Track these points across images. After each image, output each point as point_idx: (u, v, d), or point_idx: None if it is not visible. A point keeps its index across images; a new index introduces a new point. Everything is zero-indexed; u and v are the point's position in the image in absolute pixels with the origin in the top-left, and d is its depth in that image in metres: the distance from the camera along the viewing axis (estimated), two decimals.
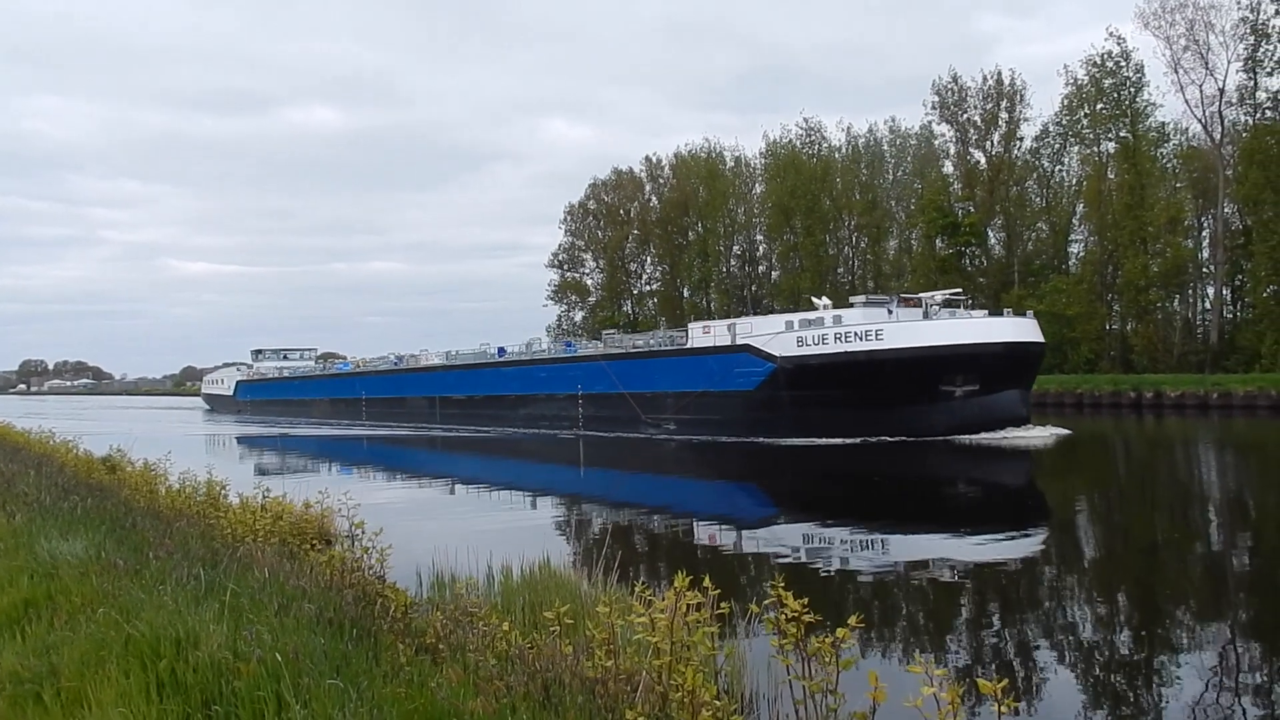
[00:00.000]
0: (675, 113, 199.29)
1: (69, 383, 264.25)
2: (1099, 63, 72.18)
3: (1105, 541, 18.29)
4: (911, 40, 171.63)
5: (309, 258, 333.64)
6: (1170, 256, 69.87)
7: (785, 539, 18.47)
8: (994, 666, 10.04)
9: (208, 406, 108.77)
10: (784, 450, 36.36)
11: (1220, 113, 68.74)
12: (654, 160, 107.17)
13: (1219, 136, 69.38)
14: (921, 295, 43.62)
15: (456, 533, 16.95)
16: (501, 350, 61.50)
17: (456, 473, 35.15)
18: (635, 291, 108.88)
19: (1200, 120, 70.08)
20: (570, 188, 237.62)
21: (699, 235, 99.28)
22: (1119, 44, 71.36)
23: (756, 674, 8.22)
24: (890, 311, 40.78)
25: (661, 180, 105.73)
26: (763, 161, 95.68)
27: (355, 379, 77.72)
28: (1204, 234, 75.51)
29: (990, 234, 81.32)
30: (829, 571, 15.06)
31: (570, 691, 5.21)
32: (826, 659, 5.02)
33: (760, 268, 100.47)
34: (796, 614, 5.18)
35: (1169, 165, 74.39)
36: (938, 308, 40.97)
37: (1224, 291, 70.93)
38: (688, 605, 5.60)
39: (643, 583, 7.27)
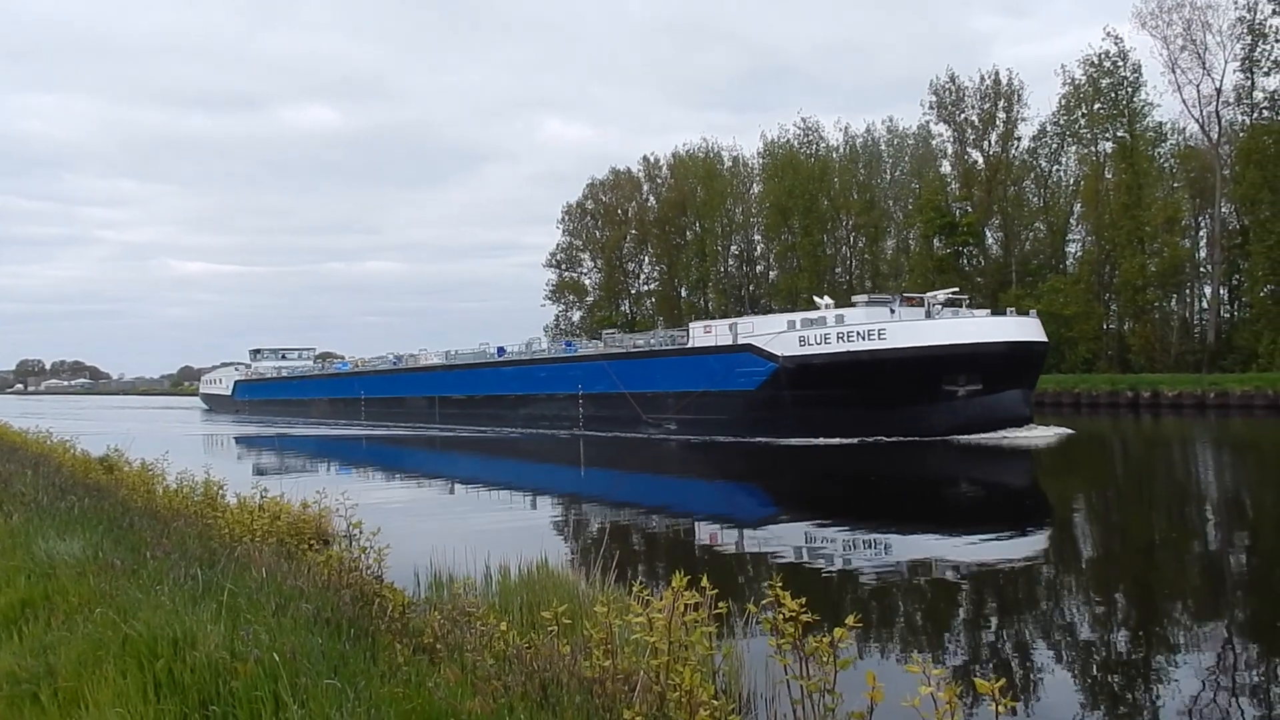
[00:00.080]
0: (672, 112, 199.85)
1: (66, 382, 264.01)
2: (1096, 62, 72.33)
3: (1104, 541, 18.29)
4: (908, 40, 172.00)
5: (307, 257, 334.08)
6: (1167, 256, 69.95)
7: (784, 539, 18.46)
8: (992, 666, 10.05)
9: (206, 406, 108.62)
10: (785, 450, 36.35)
11: (1217, 112, 68.90)
12: (651, 160, 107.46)
13: (1216, 136, 69.48)
14: (924, 295, 43.47)
15: (455, 532, 16.94)
16: (501, 350, 61.44)
17: (455, 473, 35.13)
18: (633, 291, 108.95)
19: (1197, 120, 70.32)
20: (568, 187, 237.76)
21: (696, 235, 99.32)
22: (1116, 44, 71.63)
23: (754, 674, 8.22)
24: (892, 311, 40.69)
25: (659, 180, 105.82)
26: (760, 161, 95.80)
27: (354, 379, 77.66)
28: (1201, 234, 75.65)
29: (988, 234, 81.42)
30: (828, 572, 15.06)
31: (568, 691, 5.21)
32: (824, 659, 5.01)
33: (758, 267, 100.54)
34: (794, 614, 5.18)
35: (1166, 165, 74.50)
36: (940, 307, 40.86)
37: (1221, 291, 71.05)
38: (685, 605, 5.60)
39: (640, 583, 7.28)
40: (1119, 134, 72.47)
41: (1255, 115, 67.14)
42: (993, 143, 79.84)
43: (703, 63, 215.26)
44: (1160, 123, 73.29)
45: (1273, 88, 65.54)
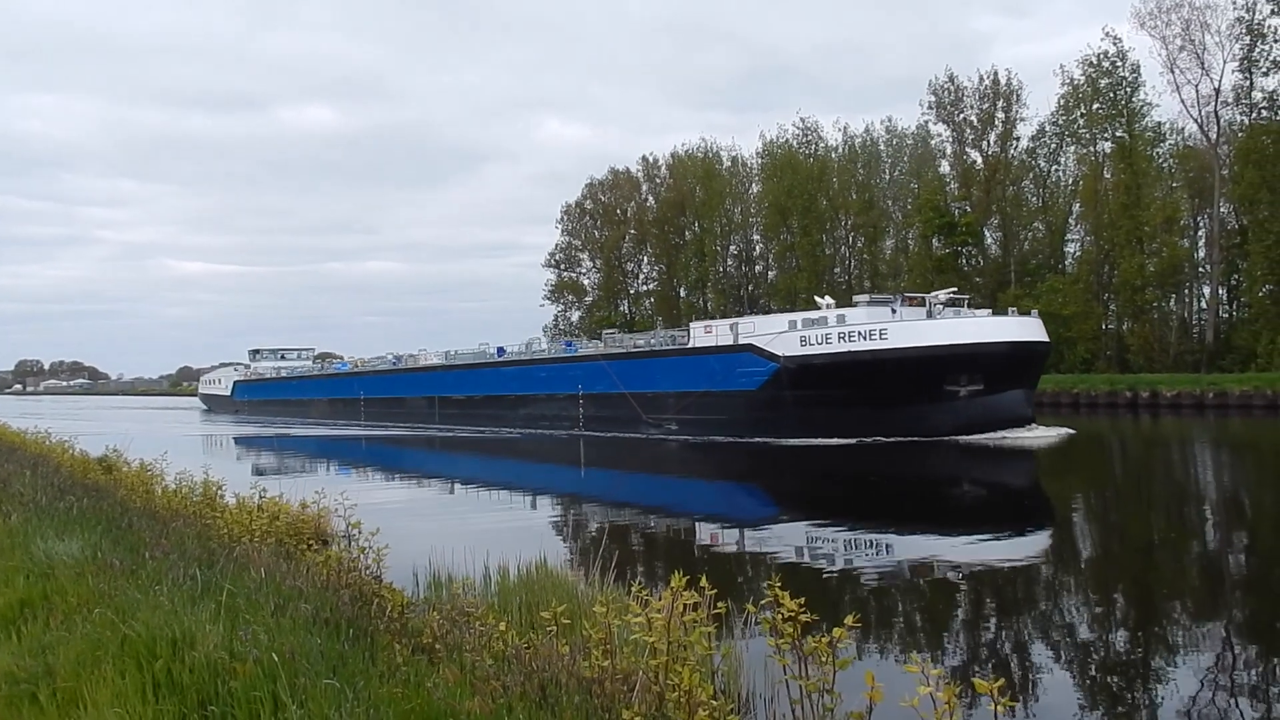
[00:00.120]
0: (672, 112, 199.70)
1: (65, 383, 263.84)
2: (1095, 63, 72.38)
3: (1104, 541, 18.30)
4: (908, 40, 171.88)
5: (306, 257, 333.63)
6: (1166, 256, 69.99)
7: (784, 539, 18.46)
8: (991, 666, 10.05)
9: (205, 407, 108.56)
10: (786, 450, 36.34)
11: (1216, 112, 68.95)
12: (650, 160, 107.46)
13: (1215, 136, 69.51)
14: (925, 295, 43.37)
15: (454, 533, 16.93)
16: (501, 350, 61.40)
17: (455, 473, 35.13)
18: (632, 291, 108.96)
19: (1196, 120, 70.36)
20: (567, 187, 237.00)
21: (696, 235, 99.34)
22: (1115, 44, 71.67)
23: (753, 674, 8.21)
24: (894, 311, 40.61)
25: (658, 180, 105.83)
26: (759, 161, 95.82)
27: (353, 379, 77.63)
28: (1200, 233, 75.67)
29: (987, 234, 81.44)
30: (828, 572, 15.06)
31: (567, 691, 5.20)
32: (823, 659, 5.01)
33: (757, 267, 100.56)
34: (793, 614, 5.18)
35: (1165, 165, 74.53)
36: (941, 307, 40.81)
37: (1220, 291, 71.09)
38: (684, 605, 5.60)
39: (639, 583, 7.27)
40: (1118, 134, 72.51)
41: (1254, 115, 67.21)
42: (992, 143, 79.90)
43: (702, 63, 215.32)
44: (1159, 123, 73.50)
45: (1271, 88, 65.73)
